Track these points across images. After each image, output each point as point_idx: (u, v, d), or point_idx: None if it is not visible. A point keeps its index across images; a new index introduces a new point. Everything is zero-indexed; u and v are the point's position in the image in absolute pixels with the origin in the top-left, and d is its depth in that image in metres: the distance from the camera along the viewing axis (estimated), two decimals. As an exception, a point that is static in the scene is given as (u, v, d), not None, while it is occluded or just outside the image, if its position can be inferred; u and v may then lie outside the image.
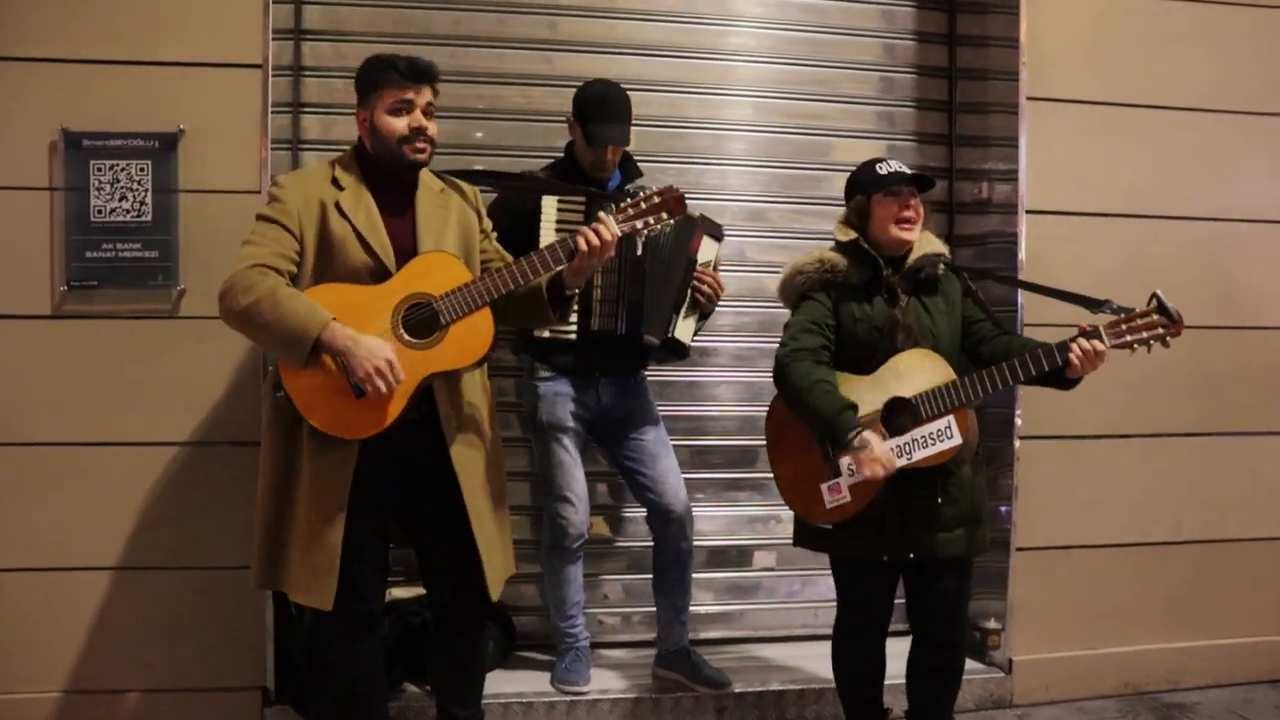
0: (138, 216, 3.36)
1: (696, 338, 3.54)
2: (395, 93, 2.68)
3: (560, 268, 2.72)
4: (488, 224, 2.97)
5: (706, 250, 3.41)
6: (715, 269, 3.45)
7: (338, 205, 2.67)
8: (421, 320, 2.62)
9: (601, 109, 3.35)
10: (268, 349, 2.58)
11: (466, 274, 2.68)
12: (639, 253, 3.27)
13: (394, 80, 2.68)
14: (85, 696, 3.39)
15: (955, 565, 2.94)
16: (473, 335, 2.65)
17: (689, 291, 3.38)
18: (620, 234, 2.71)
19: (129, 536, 3.40)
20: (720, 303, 3.51)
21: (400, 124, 2.68)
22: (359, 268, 2.65)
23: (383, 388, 2.50)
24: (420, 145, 2.71)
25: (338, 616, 2.68)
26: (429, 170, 2.84)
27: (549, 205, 3.28)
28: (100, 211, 3.35)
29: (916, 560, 2.88)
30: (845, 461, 2.76)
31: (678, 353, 3.45)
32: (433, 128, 2.74)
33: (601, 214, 2.71)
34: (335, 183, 2.71)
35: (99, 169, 3.33)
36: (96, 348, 3.36)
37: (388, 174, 2.74)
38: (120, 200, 3.35)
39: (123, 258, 3.36)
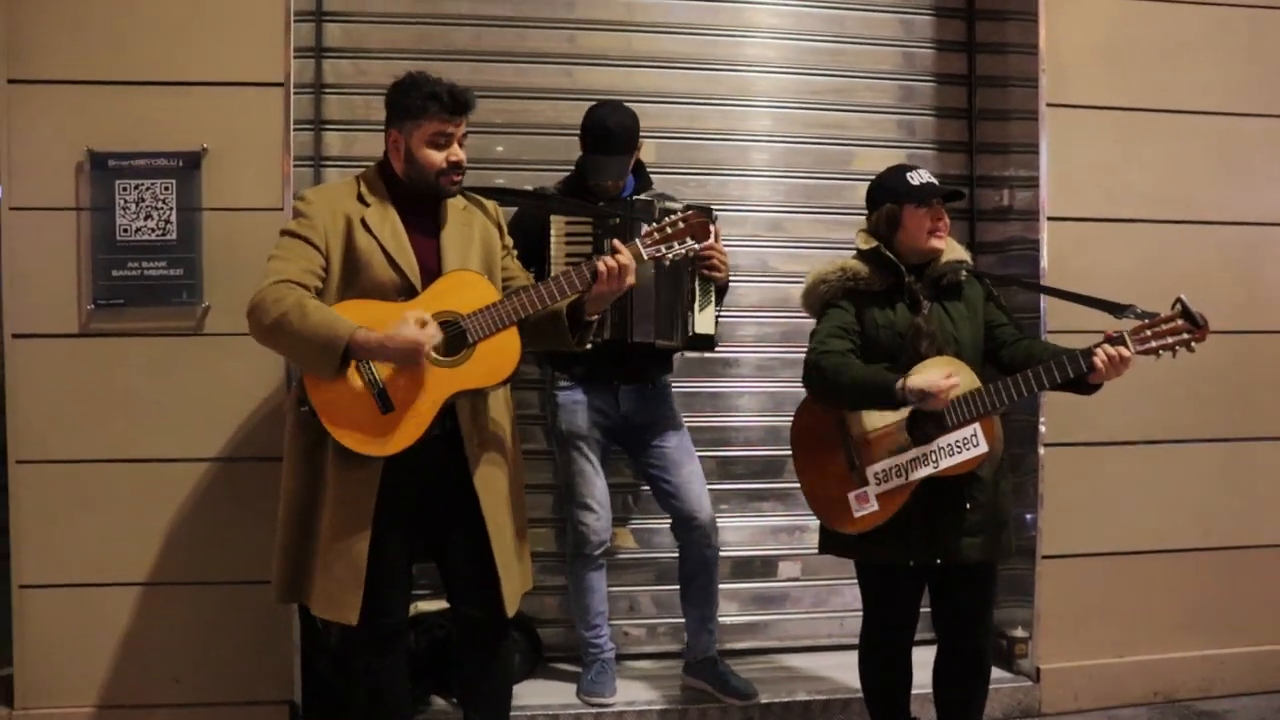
0: (163, 235, 3.39)
1: (723, 346, 3.53)
2: (438, 125, 2.65)
3: (581, 293, 2.71)
4: (509, 240, 2.97)
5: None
6: (717, 239, 3.31)
7: (364, 221, 2.66)
8: (449, 338, 2.61)
9: (603, 144, 3.35)
10: (297, 362, 2.59)
11: (494, 293, 2.68)
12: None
13: (437, 113, 2.64)
14: (115, 712, 3.41)
15: (980, 570, 2.94)
16: (500, 354, 2.65)
17: (697, 281, 3.35)
18: (641, 259, 2.70)
19: (156, 552, 3.43)
20: (742, 313, 3.50)
21: (439, 158, 2.67)
22: (385, 284, 2.64)
23: (421, 341, 2.49)
24: (456, 178, 2.72)
25: (363, 631, 2.67)
26: None
27: (557, 223, 3.30)
28: (126, 230, 3.38)
29: (942, 566, 2.88)
30: (872, 470, 2.79)
31: (706, 346, 3.46)
32: (464, 156, 2.74)
33: (618, 243, 2.70)
34: (361, 199, 2.70)
35: (124, 188, 3.37)
36: (123, 365, 3.40)
37: (414, 193, 2.73)
38: (145, 219, 3.38)
39: (148, 276, 3.39)
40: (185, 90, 3.40)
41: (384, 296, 2.64)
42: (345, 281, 2.65)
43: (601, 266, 2.63)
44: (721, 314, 3.65)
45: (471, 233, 2.81)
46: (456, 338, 2.61)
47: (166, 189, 3.39)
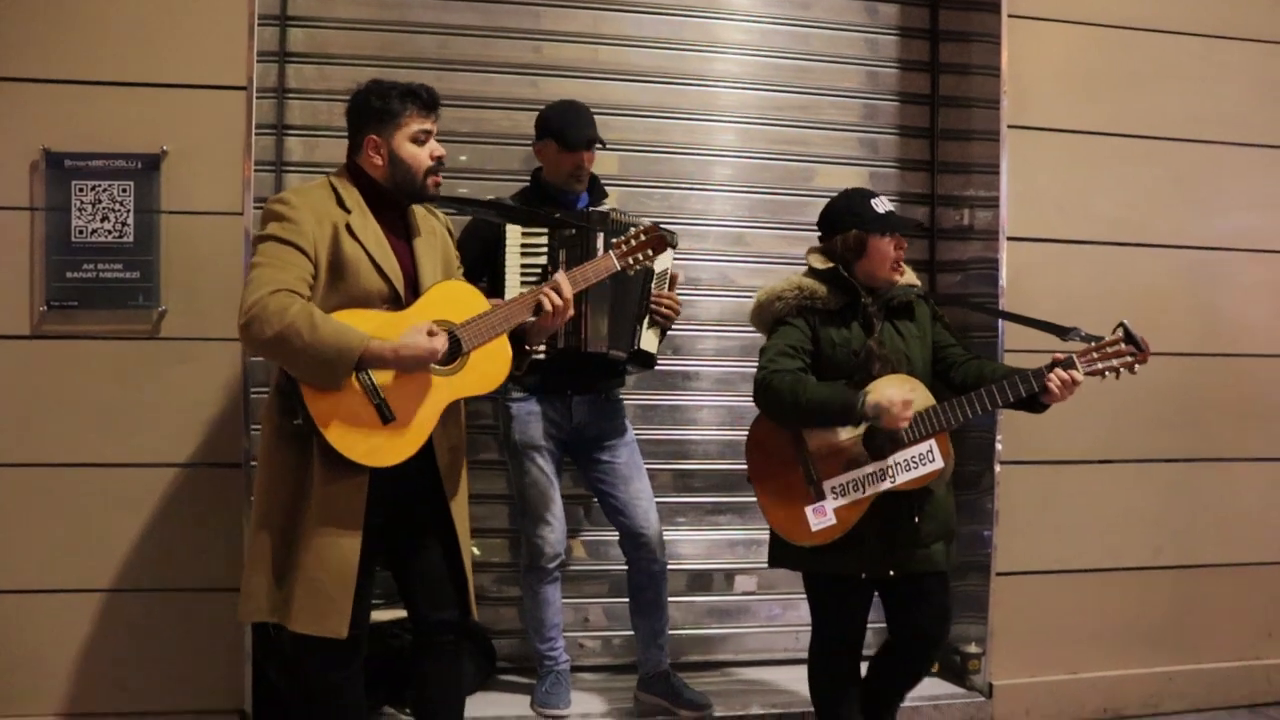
0: (119, 237, 3.36)
1: (683, 360, 3.54)
2: (419, 122, 2.67)
3: (530, 319, 2.73)
4: (456, 255, 2.97)
5: (662, 260, 3.38)
6: (673, 285, 3.44)
7: (349, 228, 2.61)
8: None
9: (574, 115, 3.43)
10: (299, 372, 2.49)
11: (484, 302, 2.70)
12: None
13: (417, 111, 2.66)
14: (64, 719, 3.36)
15: (935, 578, 2.99)
16: (493, 362, 2.68)
17: (648, 305, 3.37)
18: (618, 266, 2.83)
19: (107, 559, 3.38)
20: (702, 328, 3.51)
21: (424, 154, 2.68)
22: (371, 292, 2.61)
23: (438, 347, 2.51)
24: (439, 178, 2.72)
25: (328, 644, 2.60)
26: None
27: (513, 233, 3.29)
28: (81, 232, 3.34)
29: (896, 578, 2.92)
30: (830, 484, 2.84)
31: (646, 363, 3.45)
32: (445, 152, 2.76)
33: (558, 275, 2.75)
34: (341, 204, 2.65)
35: (80, 189, 3.33)
36: (76, 368, 3.35)
37: (387, 200, 2.71)
38: (102, 221, 3.34)
39: (104, 278, 3.35)
40: (145, 92, 3.37)
41: (369, 305, 2.60)
42: (330, 289, 2.59)
43: (546, 304, 2.69)
44: (682, 328, 3.66)
45: (435, 240, 2.82)
46: (452, 347, 2.61)
47: (124, 191, 3.35)
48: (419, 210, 2.82)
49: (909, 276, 3.06)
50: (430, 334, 2.52)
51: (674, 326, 3.50)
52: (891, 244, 2.95)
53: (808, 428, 2.92)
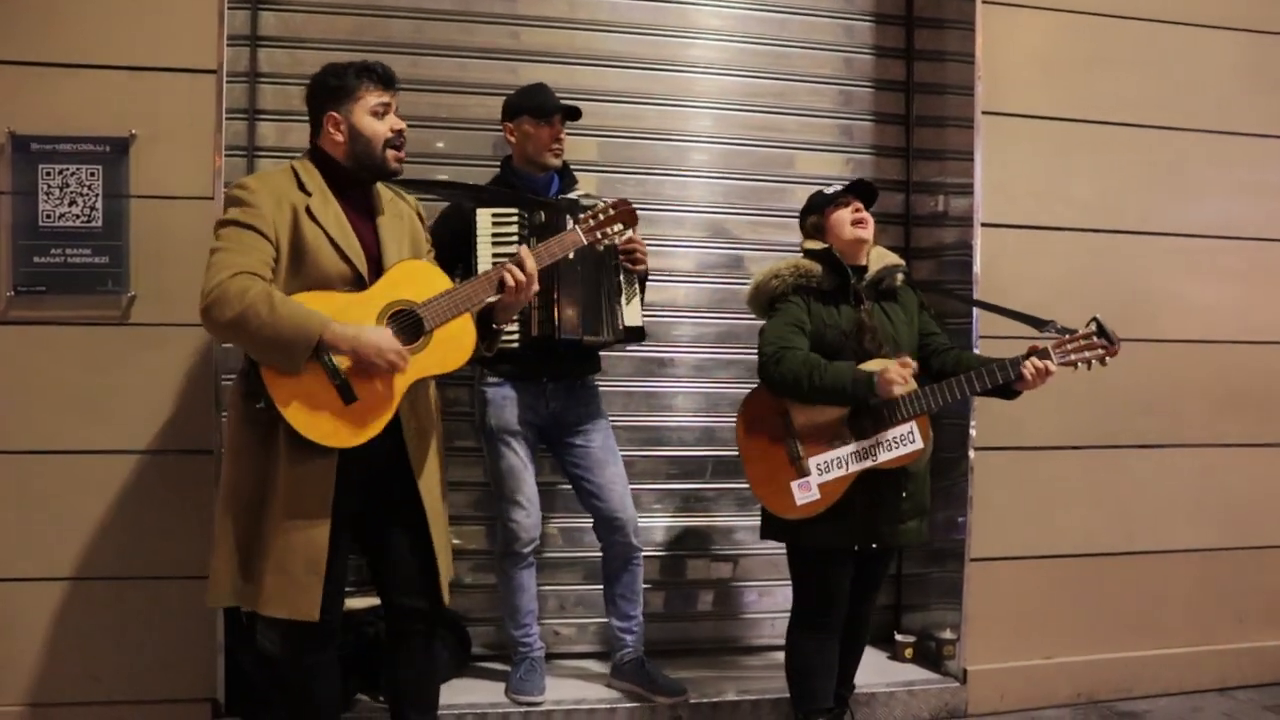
0: (88, 222, 3.32)
1: (659, 346, 3.55)
2: (376, 96, 2.68)
3: (494, 298, 2.71)
4: (427, 238, 2.95)
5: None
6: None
7: (309, 210, 2.61)
8: (405, 327, 2.61)
9: (540, 90, 3.47)
10: (259, 355, 2.50)
11: (446, 281, 2.68)
12: (569, 257, 3.29)
13: (373, 85, 2.69)
14: (33, 710, 3.33)
15: (891, 553, 3.23)
16: (455, 342, 2.66)
17: (620, 275, 3.38)
18: (585, 241, 2.82)
19: (77, 547, 3.35)
20: (679, 314, 3.51)
21: (383, 127, 2.68)
22: (331, 275, 2.60)
23: (400, 365, 2.53)
24: (401, 153, 2.72)
25: (301, 627, 2.60)
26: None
27: (483, 220, 3.28)
28: (49, 216, 3.30)
29: (877, 550, 3.10)
30: (814, 461, 2.97)
31: (637, 338, 3.47)
32: (404, 125, 2.75)
33: (521, 249, 2.73)
34: (302, 187, 2.65)
35: (48, 173, 3.29)
36: (44, 354, 3.31)
37: (351, 180, 2.71)
38: (70, 205, 3.31)
39: (72, 263, 3.32)
40: (114, 74, 3.33)
41: (330, 287, 2.59)
42: (291, 272, 2.59)
43: (509, 279, 2.65)
44: (659, 314, 3.64)
45: (402, 223, 2.81)
46: (413, 325, 2.61)
47: (93, 175, 3.32)
48: (385, 192, 2.81)
49: (890, 257, 3.18)
50: (396, 349, 2.53)
51: (651, 313, 3.49)
52: (848, 211, 3.09)
53: (815, 404, 3.00)
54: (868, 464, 2.97)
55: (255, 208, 2.56)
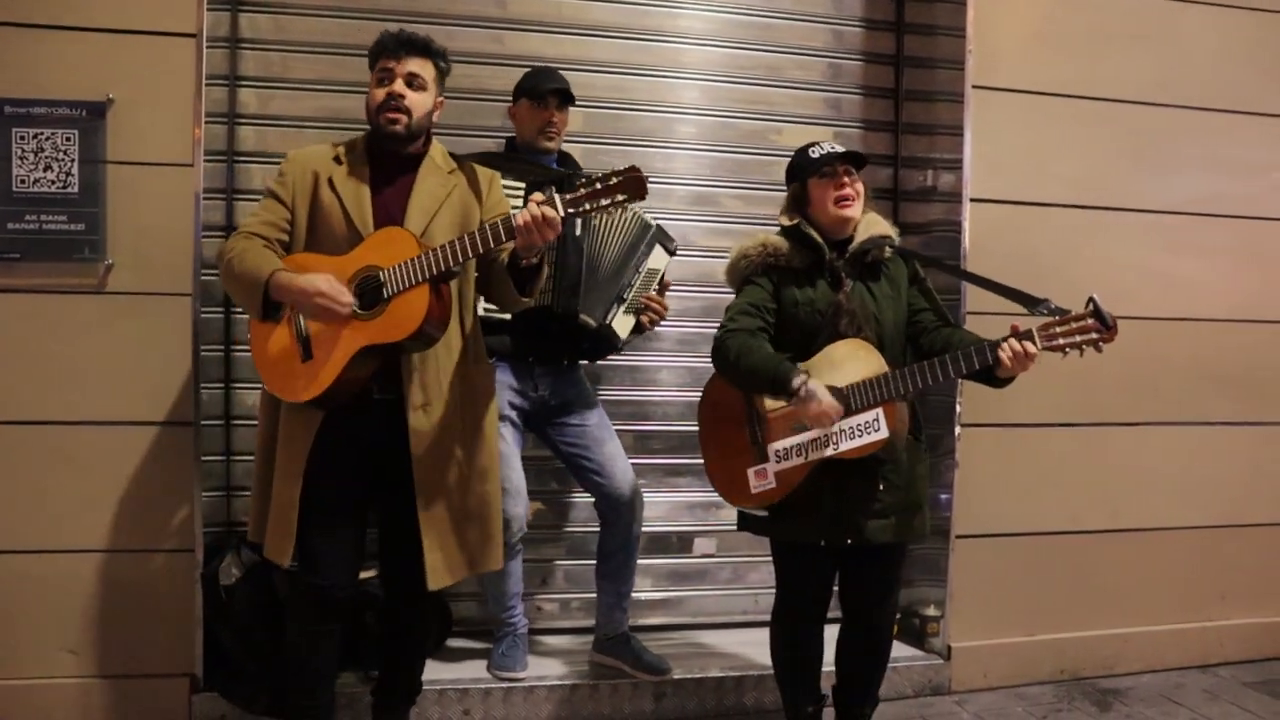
0: (63, 188, 3.26)
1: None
2: (381, 63, 2.78)
3: (511, 243, 2.65)
4: (497, 213, 2.82)
5: (657, 259, 3.42)
6: (664, 289, 3.50)
7: (330, 179, 2.74)
8: (368, 291, 2.62)
9: (544, 71, 3.48)
10: (238, 302, 2.78)
11: (415, 249, 2.63)
12: (578, 232, 3.25)
13: (379, 53, 2.78)
14: (7, 685, 3.29)
15: (887, 551, 2.95)
16: (406, 310, 2.60)
17: (631, 293, 3.37)
18: (561, 213, 2.61)
19: (53, 519, 3.31)
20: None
21: (380, 92, 2.75)
22: (340, 239, 2.71)
23: (335, 309, 2.56)
24: (392, 115, 2.73)
25: (295, 589, 2.82)
26: (446, 151, 2.89)
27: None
28: (23, 181, 3.24)
29: (853, 546, 2.88)
30: (774, 447, 2.80)
31: (610, 343, 3.43)
32: (414, 98, 2.75)
33: (537, 193, 2.63)
34: (337, 159, 2.79)
35: (22, 137, 3.23)
36: (18, 323, 3.26)
37: (388, 149, 2.79)
38: (45, 170, 3.24)
39: (47, 230, 3.26)
40: (90, 36, 3.26)
41: (340, 251, 2.69)
42: (309, 237, 2.75)
43: (520, 219, 2.56)
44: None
45: (445, 195, 2.80)
46: (374, 291, 2.61)
47: (68, 139, 3.25)
48: (444, 164, 2.85)
49: (880, 226, 2.97)
50: (325, 283, 2.57)
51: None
52: (830, 184, 2.89)
53: (746, 391, 2.89)
54: (829, 452, 2.74)
55: (284, 175, 2.79)
